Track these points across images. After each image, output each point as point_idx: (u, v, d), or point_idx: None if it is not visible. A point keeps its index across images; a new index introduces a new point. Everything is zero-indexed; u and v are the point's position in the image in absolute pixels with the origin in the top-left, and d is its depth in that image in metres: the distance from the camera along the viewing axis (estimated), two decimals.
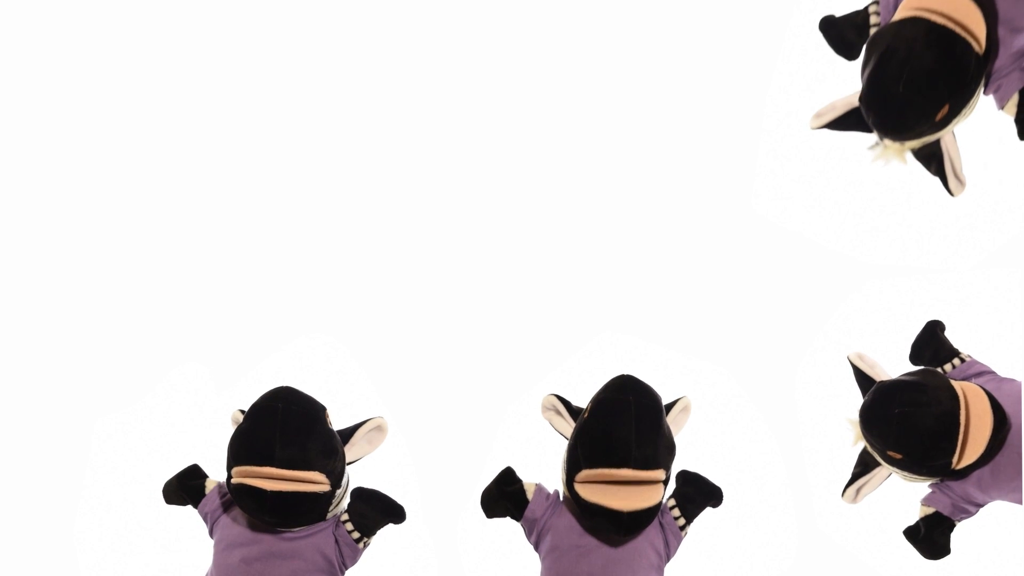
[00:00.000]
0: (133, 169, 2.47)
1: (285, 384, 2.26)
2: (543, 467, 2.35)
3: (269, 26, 2.47)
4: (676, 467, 2.29)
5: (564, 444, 2.31)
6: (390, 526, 2.30)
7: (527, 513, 2.25)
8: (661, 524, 2.24)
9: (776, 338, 2.41)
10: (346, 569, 2.28)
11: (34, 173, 2.47)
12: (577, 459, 2.19)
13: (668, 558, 2.25)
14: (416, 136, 2.44)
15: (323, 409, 2.25)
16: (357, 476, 2.37)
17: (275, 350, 2.45)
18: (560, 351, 2.44)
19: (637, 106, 2.37)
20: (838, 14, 2.28)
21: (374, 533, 2.28)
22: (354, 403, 2.43)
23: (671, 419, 2.29)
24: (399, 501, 2.29)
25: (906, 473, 2.20)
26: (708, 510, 2.29)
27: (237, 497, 2.19)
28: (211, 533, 2.28)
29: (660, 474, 2.17)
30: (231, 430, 2.30)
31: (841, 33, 2.26)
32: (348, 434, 2.31)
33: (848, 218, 2.40)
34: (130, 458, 2.40)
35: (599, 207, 2.45)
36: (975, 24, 2.09)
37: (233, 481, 2.18)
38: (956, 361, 2.29)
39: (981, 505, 2.22)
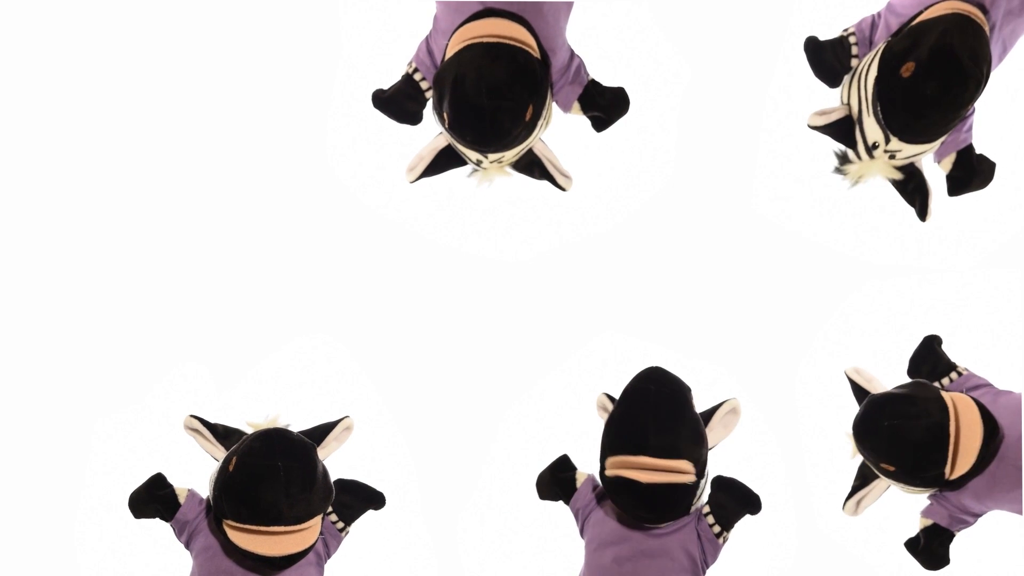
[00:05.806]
0: (134, 172, 2.47)
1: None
2: (543, 467, 2.36)
3: (273, 29, 2.47)
4: (711, 473, 2.28)
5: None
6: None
7: (572, 501, 2.31)
8: (697, 531, 2.25)
9: (776, 338, 2.41)
10: (329, 557, 2.31)
11: (34, 177, 2.47)
12: (604, 447, 2.24)
13: (706, 565, 2.26)
14: (414, 137, 2.44)
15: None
16: (356, 473, 2.38)
17: (275, 350, 2.46)
18: (560, 351, 2.44)
19: (638, 107, 2.37)
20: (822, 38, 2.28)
21: (354, 520, 2.33)
22: (354, 403, 2.43)
23: (718, 420, 2.30)
24: (378, 488, 2.33)
25: (903, 485, 2.22)
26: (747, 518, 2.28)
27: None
28: (188, 542, 2.28)
29: (683, 464, 2.18)
30: (185, 439, 2.33)
31: (822, 57, 2.26)
32: (320, 435, 2.34)
33: (848, 218, 2.40)
34: (130, 458, 2.40)
35: (599, 207, 2.45)
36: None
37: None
38: (953, 375, 2.31)
39: (978, 515, 2.24)
